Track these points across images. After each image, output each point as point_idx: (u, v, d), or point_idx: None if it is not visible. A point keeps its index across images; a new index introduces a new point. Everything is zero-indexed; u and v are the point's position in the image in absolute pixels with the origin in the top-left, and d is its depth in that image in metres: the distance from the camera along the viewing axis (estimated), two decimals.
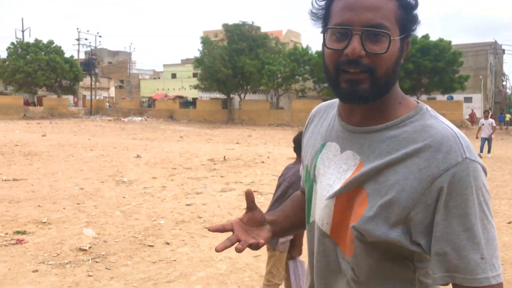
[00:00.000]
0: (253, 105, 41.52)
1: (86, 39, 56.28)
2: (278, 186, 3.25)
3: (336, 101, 1.18)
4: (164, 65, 65.03)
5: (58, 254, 4.78)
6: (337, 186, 1.05)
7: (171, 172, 10.91)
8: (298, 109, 38.81)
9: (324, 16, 1.04)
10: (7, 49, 43.47)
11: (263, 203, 7.58)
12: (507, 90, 65.71)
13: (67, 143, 17.67)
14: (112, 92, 64.65)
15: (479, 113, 39.56)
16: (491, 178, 10.43)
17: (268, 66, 37.05)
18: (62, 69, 43.50)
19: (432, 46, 32.89)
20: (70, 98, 50.64)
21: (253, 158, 13.77)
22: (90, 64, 49.75)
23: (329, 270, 1.09)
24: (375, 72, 0.97)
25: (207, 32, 47.36)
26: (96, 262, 4.59)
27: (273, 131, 30.18)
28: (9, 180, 9.22)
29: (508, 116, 41.03)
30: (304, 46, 39.86)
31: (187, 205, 7.31)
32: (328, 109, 1.23)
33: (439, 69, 32.70)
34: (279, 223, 1.24)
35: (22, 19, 75.63)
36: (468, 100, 42.61)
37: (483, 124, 16.08)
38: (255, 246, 1.12)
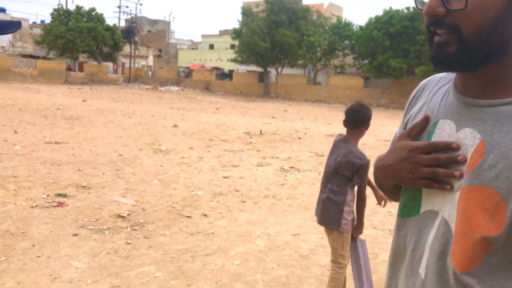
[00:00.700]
0: (290, 79, 40.92)
1: (127, 6, 56.81)
2: (329, 161, 3.05)
3: (451, 74, 0.97)
4: (203, 36, 64.90)
5: (97, 220, 4.80)
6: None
7: (208, 143, 10.87)
8: (336, 85, 37.96)
9: None
10: (50, 14, 44.35)
11: (301, 179, 7.40)
12: None
13: (107, 109, 17.97)
14: (151, 61, 65.24)
15: None
16: None
17: (308, 37, 36.21)
18: (102, 37, 44.05)
19: None
20: (110, 65, 51.42)
21: (289, 133, 13.54)
22: (130, 32, 50.19)
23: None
24: (461, 32, 0.82)
25: (247, 3, 46.62)
26: (135, 230, 4.58)
27: (310, 107, 29.69)
28: (51, 143, 9.42)
29: None
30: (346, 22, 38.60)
31: (224, 177, 7.23)
32: (441, 82, 1.01)
33: None
34: None
35: None
36: None
37: None
38: None
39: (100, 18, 45.44)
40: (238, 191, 6.44)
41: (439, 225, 0.88)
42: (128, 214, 5.03)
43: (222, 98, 34.91)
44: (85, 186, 6.11)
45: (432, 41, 0.87)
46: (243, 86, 43.11)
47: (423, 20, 0.88)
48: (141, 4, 60.10)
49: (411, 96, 1.09)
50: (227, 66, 52.17)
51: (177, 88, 43.16)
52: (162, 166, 7.84)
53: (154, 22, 78.89)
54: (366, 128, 2.98)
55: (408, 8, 33.07)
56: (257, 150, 10.20)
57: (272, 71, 43.17)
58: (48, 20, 46.57)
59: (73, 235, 4.30)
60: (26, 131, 10.78)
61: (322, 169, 3.97)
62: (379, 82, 36.82)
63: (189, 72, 53.53)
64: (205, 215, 5.20)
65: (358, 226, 3.03)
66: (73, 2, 70.38)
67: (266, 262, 3.98)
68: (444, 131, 0.90)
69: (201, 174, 7.39)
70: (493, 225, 0.77)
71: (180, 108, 21.58)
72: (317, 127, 15.89)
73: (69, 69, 46.41)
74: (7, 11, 54.48)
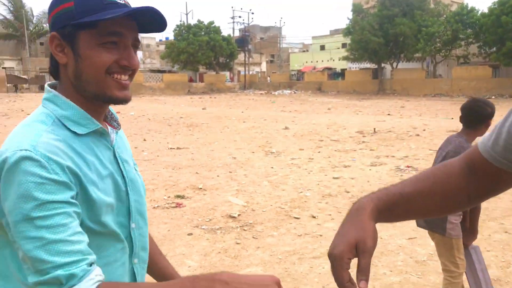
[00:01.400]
0: (407, 74, 38.60)
1: (239, 16, 59.07)
2: (436, 161, 2.76)
3: None
4: (313, 37, 64.78)
5: (210, 220, 5.03)
6: None
7: (318, 144, 10.74)
8: (459, 77, 34.74)
9: None
10: (173, 31, 48.36)
11: None
12: None
13: (223, 115, 18.93)
14: (264, 66, 67.22)
15: None
16: None
17: (426, 29, 33.78)
18: (220, 47, 46.70)
19: None
20: (227, 74, 54.28)
21: (406, 130, 12.72)
22: (244, 40, 52.40)
23: None
24: None
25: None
26: (244, 230, 4.69)
27: (429, 102, 27.63)
28: (174, 148, 10.21)
29: None
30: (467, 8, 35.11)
31: (334, 178, 7.05)
32: None
33: None
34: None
35: (186, 3, 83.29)
36: None
37: None
38: None
39: (217, 31, 48.25)
40: (348, 192, 6.22)
41: None
42: (239, 215, 5.18)
43: (334, 98, 34.38)
44: (201, 188, 6.47)
45: None
46: (356, 84, 41.91)
47: None
48: (253, 13, 62.37)
49: None
50: (339, 66, 51.30)
51: (289, 91, 43.70)
52: (272, 167, 7.95)
53: (266, 29, 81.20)
54: (486, 127, 2.63)
55: None
56: (371, 149, 9.78)
57: (387, 67, 41.26)
58: (171, 36, 50.85)
59: (188, 234, 4.56)
60: (153, 139, 11.85)
61: None
62: (510, 71, 32.74)
63: (300, 75, 53.90)
64: (314, 217, 5.11)
65: (470, 233, 2.68)
66: (192, 18, 76.07)
67: (378, 267, 3.75)
68: None
69: (310, 175, 7.31)
70: None
71: (292, 111, 21.77)
72: (438, 123, 14.67)
73: (190, 80, 50.12)
74: None
